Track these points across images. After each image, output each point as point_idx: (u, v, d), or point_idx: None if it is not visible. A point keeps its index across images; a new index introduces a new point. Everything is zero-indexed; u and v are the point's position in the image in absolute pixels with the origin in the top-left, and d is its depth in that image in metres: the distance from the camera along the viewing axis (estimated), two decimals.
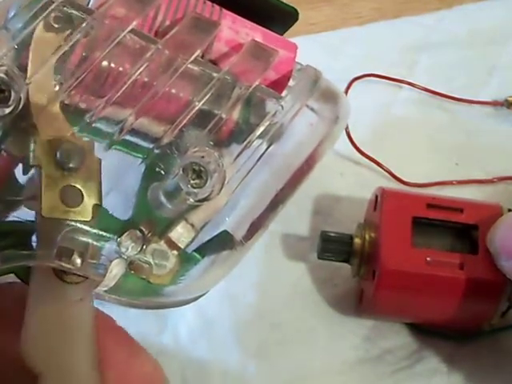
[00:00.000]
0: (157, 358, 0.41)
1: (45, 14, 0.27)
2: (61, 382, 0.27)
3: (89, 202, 0.26)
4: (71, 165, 0.26)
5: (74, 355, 0.27)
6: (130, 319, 0.42)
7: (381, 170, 0.46)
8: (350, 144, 0.46)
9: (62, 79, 0.27)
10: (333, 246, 0.41)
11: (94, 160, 0.27)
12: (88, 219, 0.26)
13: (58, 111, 0.27)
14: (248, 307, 0.43)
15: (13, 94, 0.25)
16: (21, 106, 0.26)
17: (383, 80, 0.50)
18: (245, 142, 0.28)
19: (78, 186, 0.26)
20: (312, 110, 0.30)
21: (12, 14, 0.27)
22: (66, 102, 0.27)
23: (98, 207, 0.27)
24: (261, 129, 0.28)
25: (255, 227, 0.29)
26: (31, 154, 0.26)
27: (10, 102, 0.25)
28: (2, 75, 0.25)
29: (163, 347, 0.41)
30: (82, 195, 0.26)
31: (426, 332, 0.42)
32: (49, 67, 0.27)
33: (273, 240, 0.45)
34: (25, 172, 0.27)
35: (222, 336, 0.42)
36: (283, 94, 0.30)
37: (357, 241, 0.41)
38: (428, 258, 0.38)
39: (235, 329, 0.42)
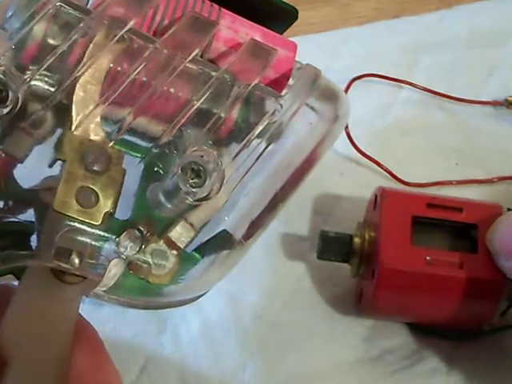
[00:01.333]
0: (156, 358, 0.41)
1: (42, 13, 0.27)
2: (28, 373, 0.27)
3: (103, 207, 0.26)
4: (95, 168, 0.26)
5: (49, 350, 0.27)
6: (130, 320, 0.42)
7: (381, 170, 0.46)
8: (350, 144, 0.46)
9: (60, 79, 0.27)
10: (332, 246, 0.41)
11: (119, 171, 0.27)
12: (96, 223, 0.26)
13: (97, 115, 0.27)
14: (248, 307, 0.43)
15: (10, 94, 0.25)
16: (19, 106, 0.26)
17: (383, 80, 0.49)
18: (244, 141, 0.28)
19: (96, 190, 0.26)
20: (312, 108, 0.30)
21: (9, 13, 0.27)
22: (65, 101, 0.27)
23: (109, 216, 0.26)
24: (260, 128, 0.28)
25: (255, 227, 0.28)
26: (58, 148, 0.26)
27: (8, 102, 0.25)
28: (0, 75, 0.25)
29: (163, 348, 0.41)
30: (98, 200, 0.26)
31: (426, 332, 0.42)
32: (102, 71, 0.27)
33: (273, 240, 0.45)
34: (50, 165, 0.27)
35: (222, 336, 0.42)
36: (283, 92, 0.30)
37: (356, 240, 0.41)
38: (428, 258, 0.38)
39: (235, 329, 0.42)
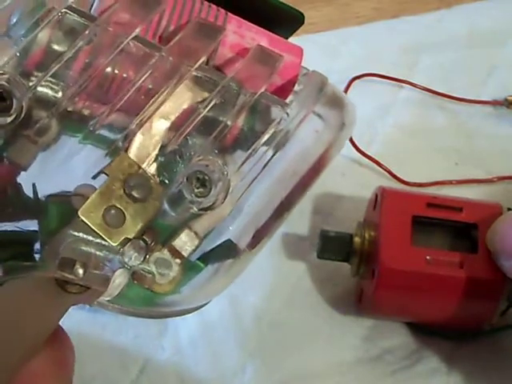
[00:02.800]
0: (156, 359, 0.41)
1: (47, 20, 0.26)
2: None
3: (125, 232, 0.26)
4: (133, 193, 0.26)
5: (16, 344, 0.27)
6: (131, 322, 0.42)
7: (381, 169, 0.46)
8: (350, 144, 0.46)
9: (65, 86, 0.27)
10: (332, 246, 0.41)
11: (155, 205, 0.27)
12: (113, 244, 0.26)
13: (156, 146, 0.27)
14: (248, 307, 0.43)
15: (15, 102, 0.25)
16: (23, 115, 0.25)
17: (383, 80, 0.49)
18: (250, 150, 0.28)
19: (126, 214, 0.26)
20: (318, 116, 0.30)
21: (14, 20, 0.27)
22: (70, 109, 0.27)
23: (128, 241, 0.26)
24: (266, 136, 0.28)
25: (260, 235, 0.28)
26: (105, 162, 0.27)
27: (12, 111, 0.25)
28: (4, 83, 0.25)
29: (163, 349, 0.41)
30: (123, 223, 0.26)
31: (426, 332, 0.42)
32: (180, 111, 0.28)
33: (273, 240, 0.44)
34: (94, 176, 0.27)
35: (222, 336, 0.42)
36: (288, 99, 0.30)
37: (356, 240, 0.41)
38: (428, 257, 0.38)
39: (234, 329, 0.42)
